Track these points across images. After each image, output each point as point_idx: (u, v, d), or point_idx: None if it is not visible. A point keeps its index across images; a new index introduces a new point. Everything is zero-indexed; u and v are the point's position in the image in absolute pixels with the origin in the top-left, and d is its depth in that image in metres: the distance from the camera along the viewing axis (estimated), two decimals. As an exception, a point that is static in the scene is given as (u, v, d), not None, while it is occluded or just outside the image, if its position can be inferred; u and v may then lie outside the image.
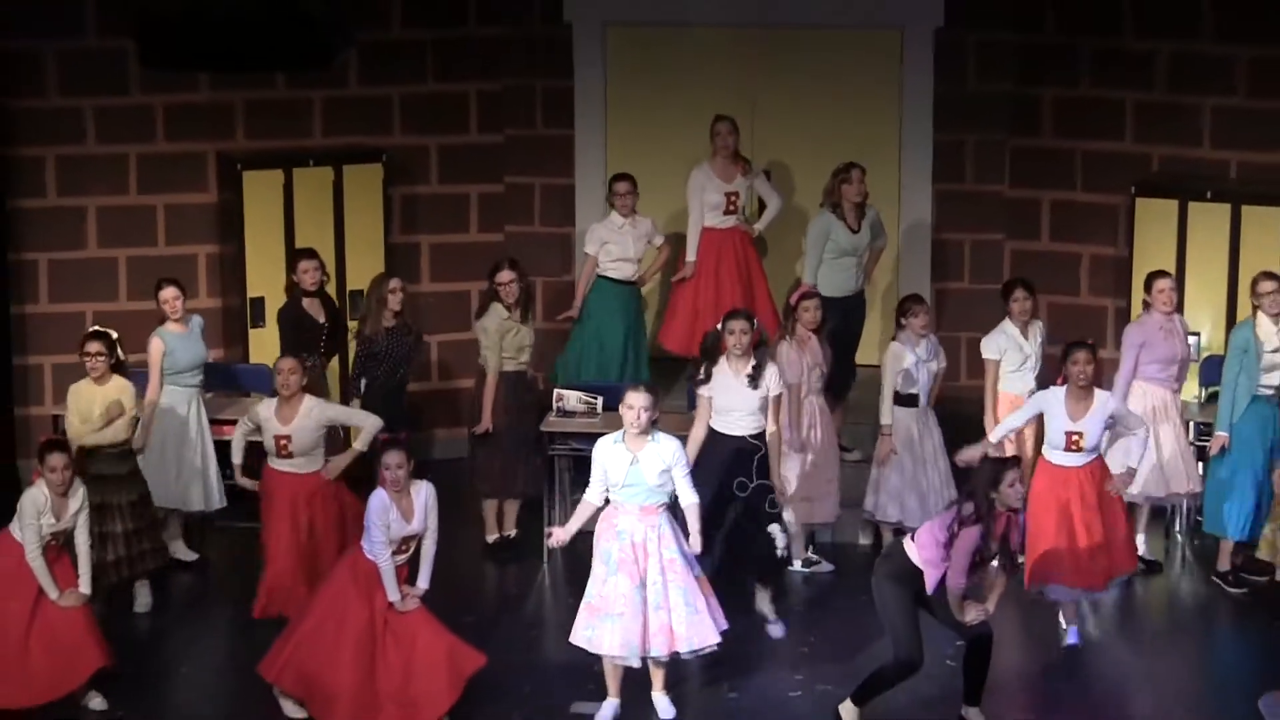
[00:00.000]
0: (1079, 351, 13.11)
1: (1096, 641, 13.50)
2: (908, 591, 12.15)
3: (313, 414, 13.52)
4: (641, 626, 12.28)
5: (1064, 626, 13.41)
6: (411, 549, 12.50)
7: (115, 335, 13.89)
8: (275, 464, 13.54)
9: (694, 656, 12.52)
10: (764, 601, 13.56)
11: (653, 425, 12.36)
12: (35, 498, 12.56)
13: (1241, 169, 15.89)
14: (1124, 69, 16.09)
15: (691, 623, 12.36)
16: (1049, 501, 13.16)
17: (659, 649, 12.34)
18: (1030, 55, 16.38)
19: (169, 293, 14.67)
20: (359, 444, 13.68)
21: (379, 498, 12.36)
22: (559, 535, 12.47)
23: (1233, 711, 12.71)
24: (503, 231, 16.91)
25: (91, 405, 13.63)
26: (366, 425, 13.65)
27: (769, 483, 13.34)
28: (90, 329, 14.05)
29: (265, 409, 13.55)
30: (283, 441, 13.43)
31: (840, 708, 12.36)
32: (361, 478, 13.64)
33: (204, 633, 13.69)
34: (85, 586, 12.70)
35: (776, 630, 13.55)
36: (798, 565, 14.63)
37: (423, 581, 12.53)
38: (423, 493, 12.47)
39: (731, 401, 13.28)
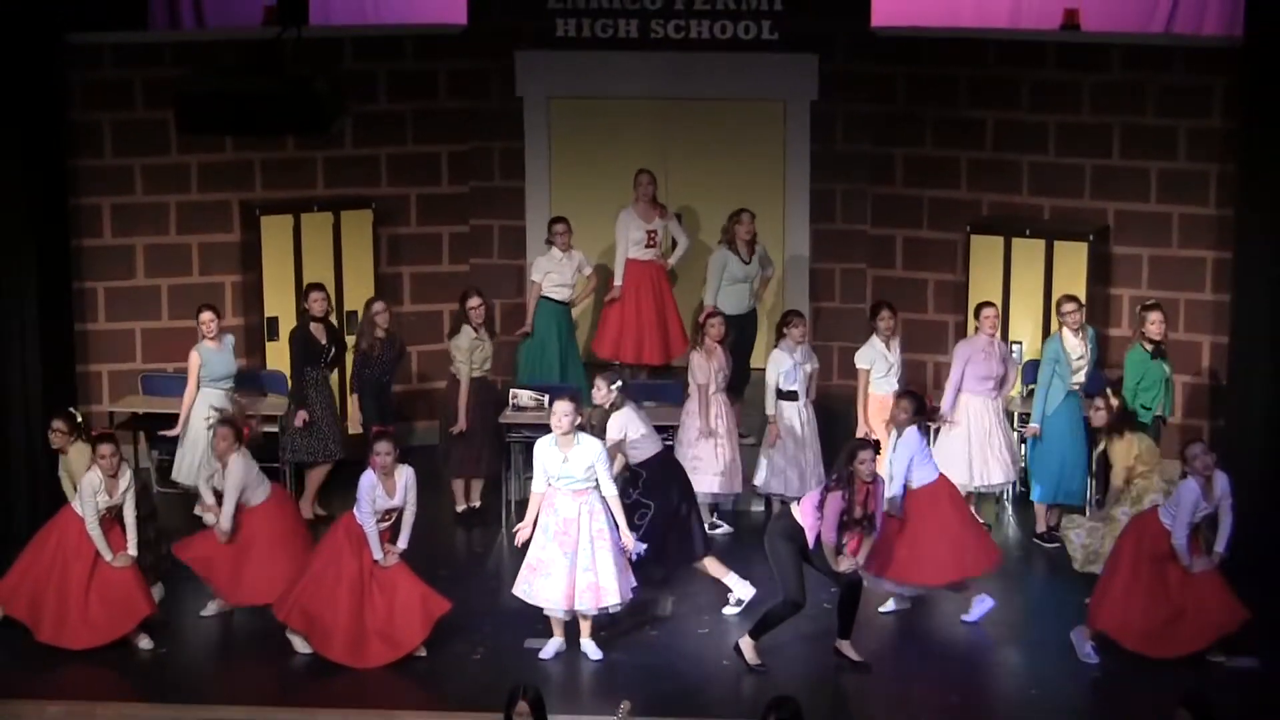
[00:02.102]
0: (903, 399, 13.03)
1: (940, 591, 13.34)
2: (794, 547, 12.26)
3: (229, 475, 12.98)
4: (569, 586, 12.31)
5: (971, 600, 13.15)
6: (393, 519, 12.55)
7: (80, 418, 13.48)
8: None
9: (619, 609, 12.53)
10: (733, 581, 13.30)
11: (577, 427, 12.35)
12: (92, 480, 12.55)
13: (1053, 212, 15.89)
14: (960, 133, 16.07)
15: (621, 580, 12.42)
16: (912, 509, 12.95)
17: (587, 604, 12.39)
18: (886, 122, 16.28)
19: (206, 316, 14.69)
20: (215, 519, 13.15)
21: (368, 477, 12.42)
22: (524, 533, 12.45)
23: (1047, 639, 12.84)
24: (468, 263, 16.79)
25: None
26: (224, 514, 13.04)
27: (645, 500, 13.13)
28: (65, 409, 13.52)
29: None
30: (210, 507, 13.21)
31: (740, 641, 12.45)
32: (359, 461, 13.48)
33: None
34: (133, 549, 12.70)
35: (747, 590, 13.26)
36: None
37: (402, 542, 12.58)
38: (405, 475, 12.50)
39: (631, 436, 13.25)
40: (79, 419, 13.53)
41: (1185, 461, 12.40)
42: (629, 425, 13.24)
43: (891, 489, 12.86)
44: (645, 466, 13.29)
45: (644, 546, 12.91)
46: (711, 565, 13.36)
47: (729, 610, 13.27)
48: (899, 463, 12.95)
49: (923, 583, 13.02)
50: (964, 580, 13.05)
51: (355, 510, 12.49)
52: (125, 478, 12.67)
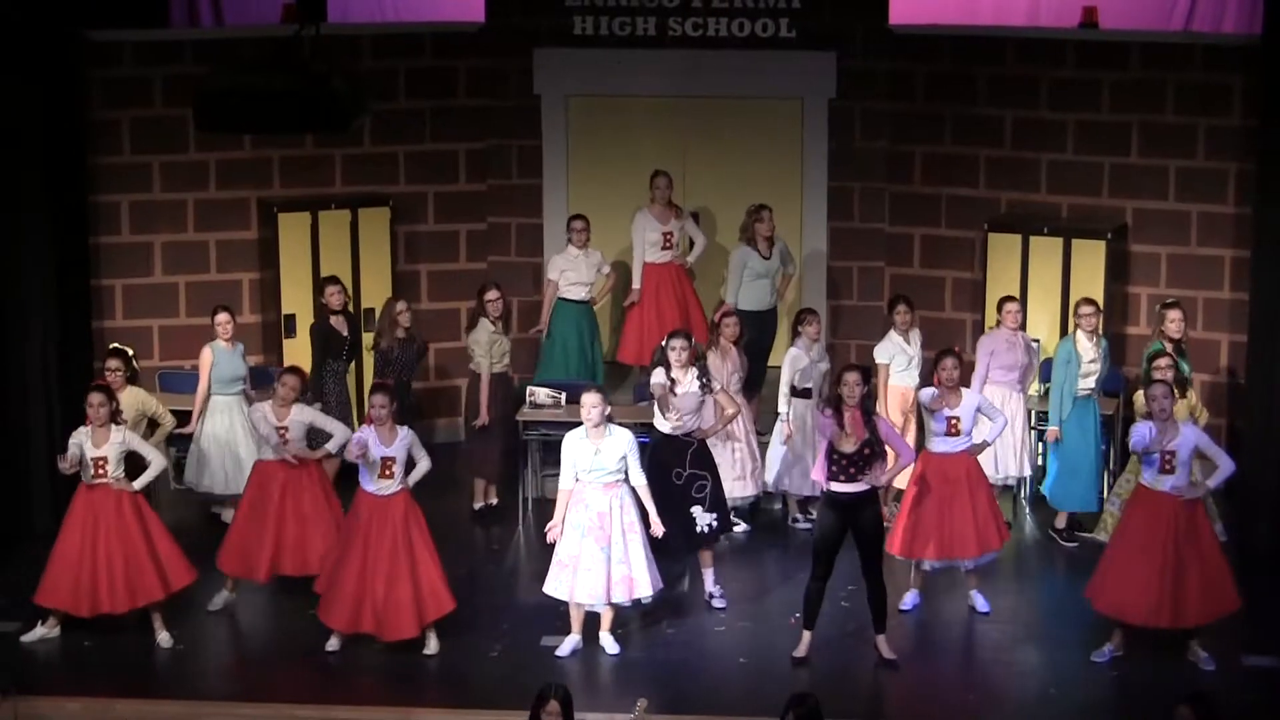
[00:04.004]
0: (947, 358, 13.02)
1: (957, 587, 13.43)
2: (836, 518, 12.24)
3: (303, 414, 13.20)
4: (605, 580, 12.39)
5: (970, 592, 13.29)
6: (393, 474, 12.47)
7: (131, 352, 13.73)
8: (267, 455, 13.23)
9: (650, 600, 12.58)
10: (709, 581, 13.34)
11: (606, 419, 12.41)
12: (79, 433, 12.64)
13: (1071, 210, 15.87)
14: (977, 131, 16.05)
15: (651, 572, 12.50)
16: (928, 485, 12.98)
17: (621, 596, 12.47)
18: (904, 120, 16.26)
19: (222, 317, 14.64)
20: (331, 445, 13.25)
21: (363, 429, 12.56)
22: (555, 532, 12.47)
23: (1065, 638, 12.83)
24: (486, 261, 16.78)
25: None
26: (338, 433, 13.21)
27: (699, 472, 13.18)
28: (110, 346, 13.75)
29: (268, 408, 13.18)
30: (282, 431, 13.13)
31: (877, 640, 12.45)
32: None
33: (247, 585, 13.45)
34: (137, 484, 12.68)
35: (720, 603, 13.29)
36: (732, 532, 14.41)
37: (409, 480, 12.59)
38: (406, 434, 12.54)
39: (675, 405, 13.14)
40: (130, 355, 13.54)
41: (1146, 401, 12.36)
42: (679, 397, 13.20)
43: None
44: (693, 436, 13.25)
45: (712, 517, 13.08)
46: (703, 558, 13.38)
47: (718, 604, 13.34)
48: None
49: (960, 557, 13.04)
50: (986, 555, 13.08)
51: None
52: (120, 431, 12.66)
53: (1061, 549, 14.45)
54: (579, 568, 12.43)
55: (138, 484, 12.76)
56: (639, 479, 12.48)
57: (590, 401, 12.36)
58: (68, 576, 12.71)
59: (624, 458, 12.40)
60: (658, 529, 12.48)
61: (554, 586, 12.54)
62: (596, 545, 12.40)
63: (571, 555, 12.45)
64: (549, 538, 12.55)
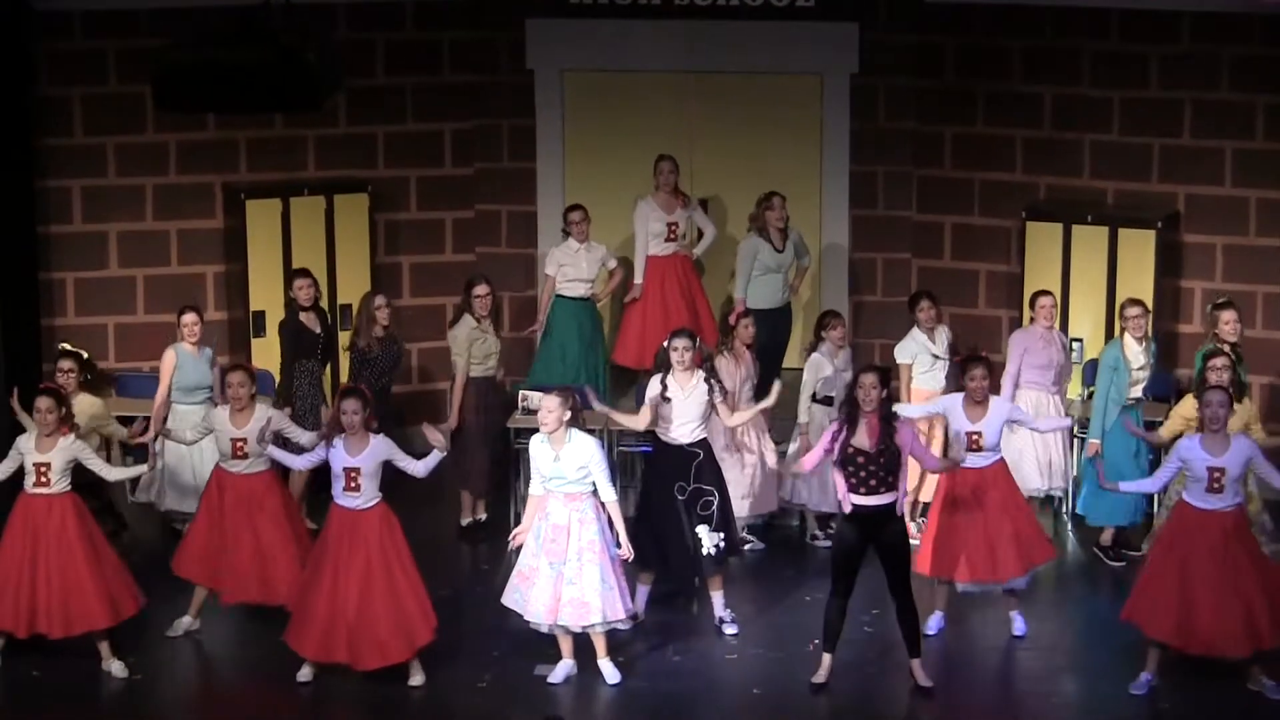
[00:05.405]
0: (976, 368, 12.94)
1: (989, 609, 13.44)
2: (857, 535, 12.18)
3: (265, 419, 13.05)
4: (553, 599, 12.32)
5: (1011, 615, 13.28)
6: (359, 486, 12.35)
7: (86, 355, 13.69)
8: (227, 466, 13.13)
9: (606, 629, 12.47)
10: (718, 605, 13.29)
11: (568, 425, 12.28)
12: (21, 440, 12.60)
13: (1117, 196, 15.87)
14: (1014, 110, 16.06)
15: (606, 598, 12.39)
16: (957, 499, 12.93)
17: (569, 619, 12.37)
18: (933, 98, 16.29)
19: (189, 318, 14.50)
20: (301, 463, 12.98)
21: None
22: (520, 538, 12.46)
23: (1107, 667, 12.77)
24: (474, 252, 16.82)
25: None
26: (307, 450, 12.94)
27: (705, 486, 13.12)
28: (60, 346, 13.75)
29: (220, 415, 13.12)
30: (238, 444, 13.04)
31: (912, 665, 12.41)
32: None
33: (211, 608, 13.42)
34: (112, 474, 12.79)
35: (731, 629, 13.27)
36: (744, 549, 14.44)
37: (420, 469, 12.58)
38: (381, 444, 12.42)
39: (677, 412, 13.09)
40: (86, 357, 13.52)
41: (1200, 407, 12.29)
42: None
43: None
44: (700, 447, 13.19)
45: (719, 537, 13.02)
46: (713, 583, 13.33)
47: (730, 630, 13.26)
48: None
49: (1003, 579, 13.02)
50: (1029, 573, 13.07)
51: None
52: (68, 439, 12.57)
53: (1107, 569, 14.45)
54: (530, 581, 12.41)
55: (110, 475, 12.66)
56: (608, 494, 12.40)
57: (548, 405, 12.29)
58: (6, 594, 12.62)
59: (584, 468, 12.32)
60: (627, 552, 12.43)
61: (511, 598, 12.50)
62: (548, 560, 12.34)
63: (530, 566, 12.41)
64: (512, 544, 12.52)
